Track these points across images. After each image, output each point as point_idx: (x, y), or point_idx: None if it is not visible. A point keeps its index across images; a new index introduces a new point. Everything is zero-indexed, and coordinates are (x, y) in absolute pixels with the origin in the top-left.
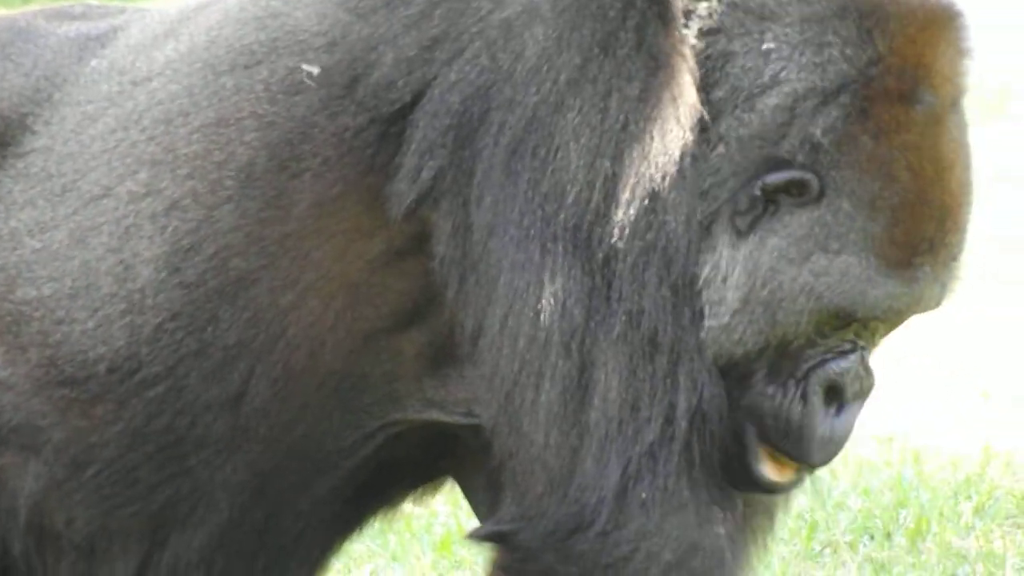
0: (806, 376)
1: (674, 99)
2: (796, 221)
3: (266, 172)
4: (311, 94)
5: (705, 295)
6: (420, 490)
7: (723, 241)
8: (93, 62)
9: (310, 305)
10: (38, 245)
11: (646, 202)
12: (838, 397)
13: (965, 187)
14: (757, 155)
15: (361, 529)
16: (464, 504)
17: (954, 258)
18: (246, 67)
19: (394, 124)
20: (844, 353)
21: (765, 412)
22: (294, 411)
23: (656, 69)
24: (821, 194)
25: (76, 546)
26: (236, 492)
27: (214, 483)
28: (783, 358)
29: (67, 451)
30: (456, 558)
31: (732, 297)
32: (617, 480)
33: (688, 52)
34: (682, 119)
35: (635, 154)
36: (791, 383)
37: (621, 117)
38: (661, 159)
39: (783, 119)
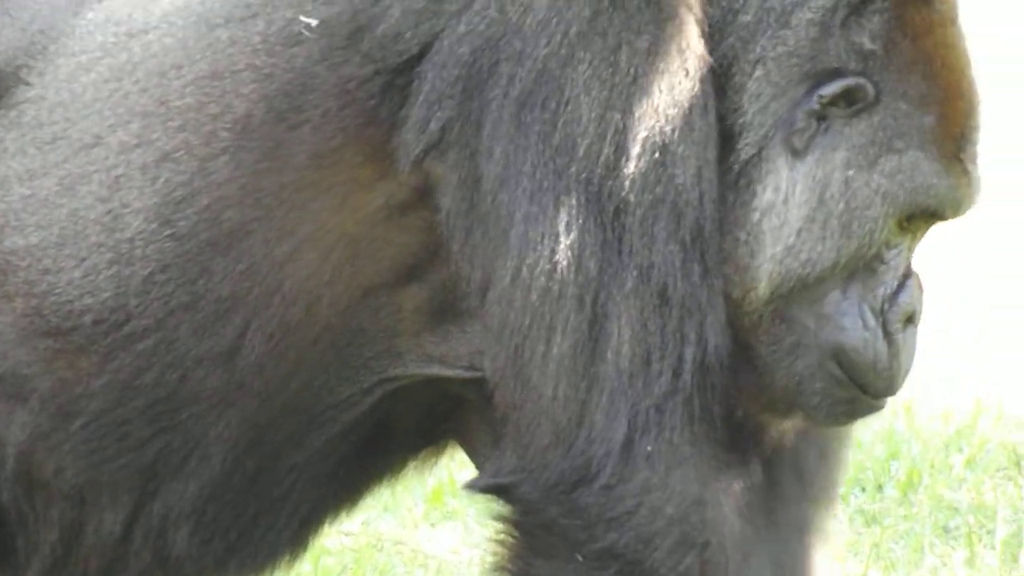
0: (883, 311)
1: (682, 51)
2: (855, 130)
3: (263, 124)
4: (310, 45)
5: (766, 222)
6: (422, 455)
7: (780, 164)
8: (90, 15)
9: (307, 258)
10: (27, 192)
11: (656, 155)
12: (912, 323)
13: (977, 87)
14: (797, 72)
15: (362, 492)
16: (457, 456)
17: (977, 157)
18: (241, 20)
19: (400, 75)
20: (907, 277)
21: (848, 347)
22: (290, 366)
23: (664, 21)
24: (877, 99)
25: (65, 495)
26: (230, 446)
27: (207, 437)
28: (853, 280)
29: (53, 401)
30: (448, 509)
31: (795, 216)
32: (624, 433)
33: (695, 1)
34: (691, 71)
35: (645, 107)
36: (868, 314)
37: (631, 70)
38: (671, 112)
39: (816, 33)
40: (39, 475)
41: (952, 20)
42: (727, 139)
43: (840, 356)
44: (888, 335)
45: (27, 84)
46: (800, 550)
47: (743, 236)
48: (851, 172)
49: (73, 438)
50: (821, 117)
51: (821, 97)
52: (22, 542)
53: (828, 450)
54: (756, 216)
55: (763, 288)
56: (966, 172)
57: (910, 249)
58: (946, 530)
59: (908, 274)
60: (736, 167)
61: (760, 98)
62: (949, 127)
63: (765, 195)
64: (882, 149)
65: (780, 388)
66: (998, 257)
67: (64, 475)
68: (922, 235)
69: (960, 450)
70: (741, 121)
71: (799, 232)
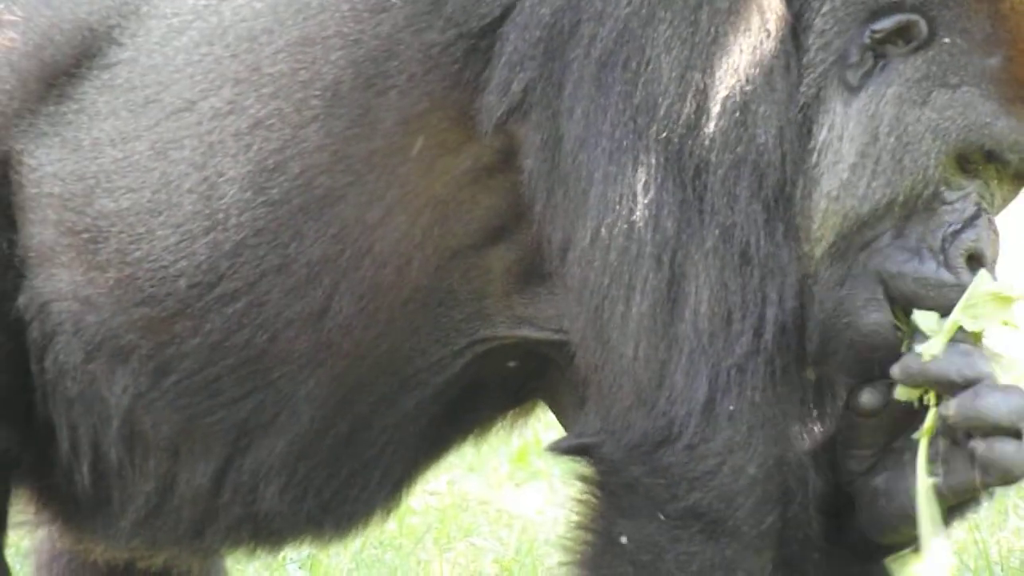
0: (943, 247)
1: (763, 10)
2: (910, 66)
3: (352, 90)
4: (396, 11)
5: (823, 161)
6: (511, 413)
7: (836, 100)
8: None
9: (397, 221)
10: (119, 155)
11: (736, 115)
12: (979, 263)
13: None
14: (862, 9)
15: (451, 449)
16: (541, 416)
17: None
18: None
19: (483, 38)
20: (973, 219)
21: (908, 278)
22: (380, 327)
23: None
24: (932, 36)
25: (161, 448)
26: (319, 404)
27: (297, 396)
28: (910, 220)
29: (150, 362)
30: (532, 469)
31: (848, 150)
32: (706, 393)
33: None
34: (772, 30)
35: (725, 67)
36: (927, 252)
37: (712, 30)
38: (751, 72)
39: None
40: (139, 429)
41: None
42: None
43: (893, 294)
44: (948, 265)
45: (120, 45)
46: None
47: (801, 180)
48: (903, 107)
49: (167, 394)
50: (880, 55)
51: (874, 32)
52: (118, 493)
53: None
54: (814, 156)
55: (822, 229)
56: None
57: (984, 197)
58: None
59: (976, 216)
60: (797, 109)
61: (824, 34)
62: (1015, 70)
63: (823, 132)
64: (935, 84)
65: (846, 346)
66: None
67: (160, 429)
68: (1002, 186)
69: None
70: (804, 60)
71: (853, 168)
